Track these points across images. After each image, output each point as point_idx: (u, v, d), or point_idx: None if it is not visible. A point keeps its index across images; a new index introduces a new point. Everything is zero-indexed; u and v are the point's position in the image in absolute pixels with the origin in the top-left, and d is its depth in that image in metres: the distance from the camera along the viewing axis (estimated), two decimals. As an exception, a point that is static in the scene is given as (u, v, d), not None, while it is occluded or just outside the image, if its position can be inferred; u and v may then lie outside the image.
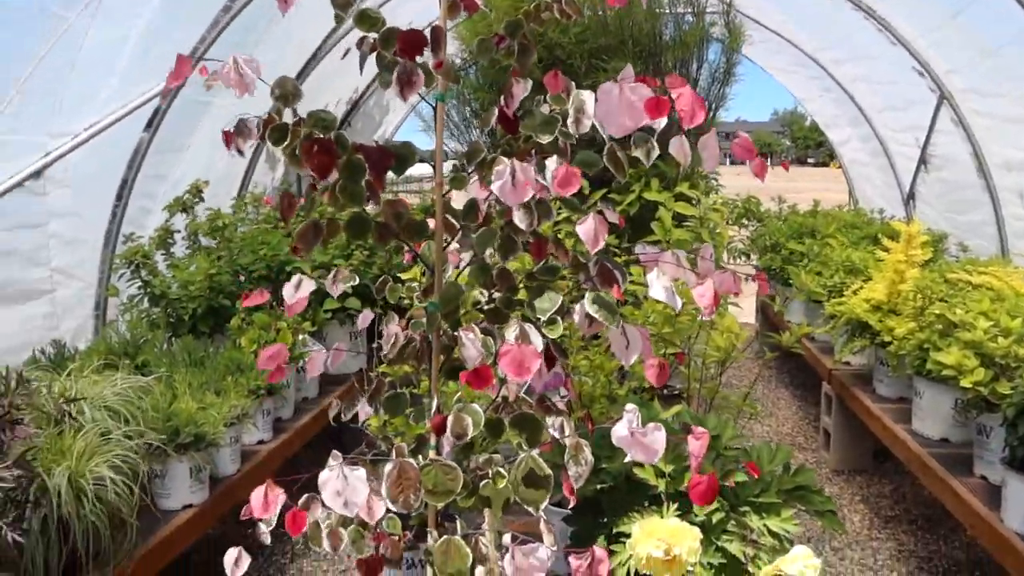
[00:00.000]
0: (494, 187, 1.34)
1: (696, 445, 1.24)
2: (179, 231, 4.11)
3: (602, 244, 1.39)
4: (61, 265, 3.57)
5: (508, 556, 1.20)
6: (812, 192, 7.28)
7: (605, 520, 1.79)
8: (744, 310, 7.17)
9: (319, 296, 4.06)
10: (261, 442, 3.36)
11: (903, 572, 3.32)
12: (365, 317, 1.79)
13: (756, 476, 1.41)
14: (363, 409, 1.84)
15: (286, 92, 1.33)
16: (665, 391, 3.28)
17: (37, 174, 3.19)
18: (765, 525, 1.73)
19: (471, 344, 1.36)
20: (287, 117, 1.40)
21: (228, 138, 1.36)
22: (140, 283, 3.73)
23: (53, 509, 2.11)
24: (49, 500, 2.11)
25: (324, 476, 1.28)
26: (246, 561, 1.51)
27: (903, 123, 5.54)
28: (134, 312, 3.75)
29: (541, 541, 1.29)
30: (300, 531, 1.40)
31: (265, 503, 1.37)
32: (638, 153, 1.39)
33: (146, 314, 3.79)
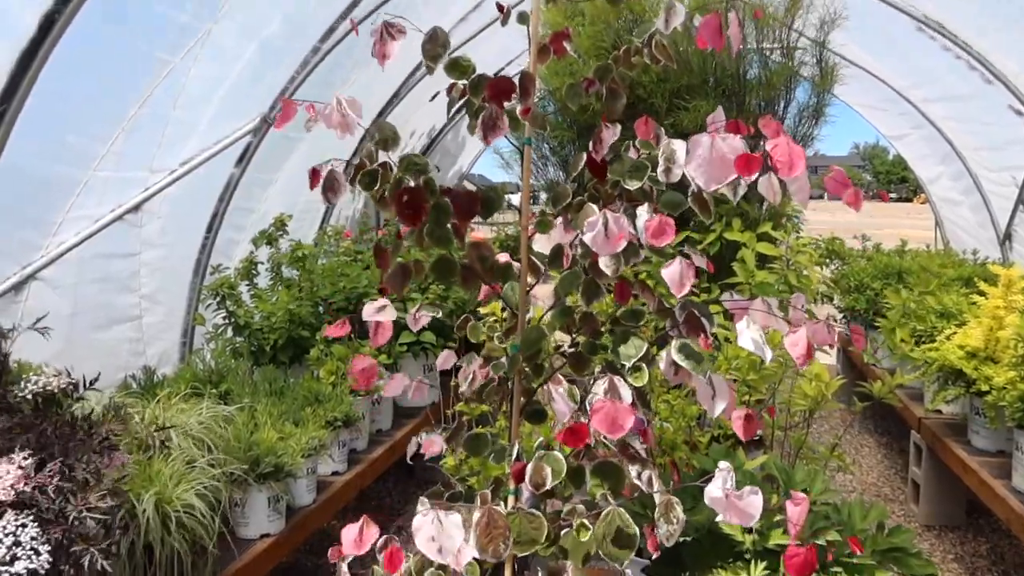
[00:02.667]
0: (586, 238, 1.33)
1: (795, 512, 1.18)
2: (263, 262, 4.24)
3: (687, 289, 1.36)
4: (150, 292, 3.72)
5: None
6: (896, 229, 7.03)
7: (687, 574, 1.73)
8: (825, 352, 6.95)
9: (395, 330, 4.12)
10: (336, 473, 3.40)
11: (1003, 640, 3.11)
12: (446, 358, 1.79)
13: (859, 552, 1.34)
14: (438, 445, 1.83)
15: (385, 136, 1.35)
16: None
17: (136, 207, 3.34)
18: (858, 588, 1.64)
19: (561, 399, 1.34)
20: (380, 158, 1.43)
21: (315, 177, 1.39)
22: (225, 313, 3.85)
23: (140, 534, 2.18)
24: (137, 525, 2.17)
25: (418, 521, 1.27)
26: None
27: (999, 163, 5.30)
28: (219, 341, 3.88)
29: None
30: (397, 569, 1.39)
31: (359, 540, 1.37)
32: (724, 190, 1.35)
33: (230, 343, 3.90)
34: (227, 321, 3.88)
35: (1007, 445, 3.49)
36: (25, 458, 1.59)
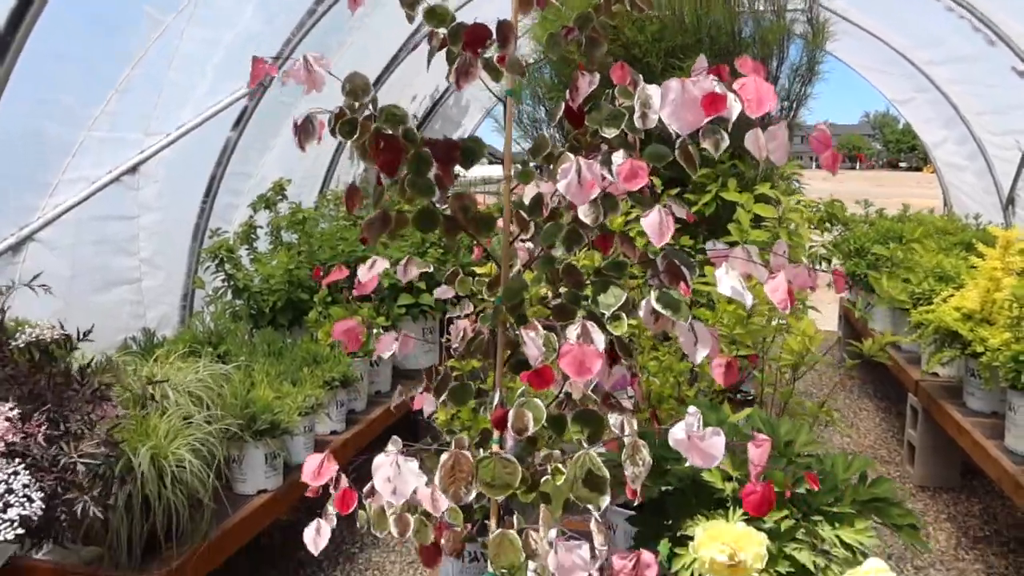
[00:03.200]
0: (559, 185, 1.33)
1: (756, 453, 1.20)
2: (262, 227, 4.25)
3: (667, 238, 1.36)
4: (149, 256, 3.74)
5: (552, 552, 1.19)
6: (903, 197, 6.96)
7: (670, 523, 1.76)
8: (826, 316, 6.95)
9: (394, 292, 4.14)
10: (334, 432, 3.44)
11: (991, 596, 3.15)
12: (444, 290, 1.81)
13: (816, 487, 1.36)
14: (430, 401, 1.86)
15: (355, 88, 1.35)
16: (739, 396, 3.21)
17: (133, 169, 3.35)
18: (838, 536, 1.66)
19: (532, 343, 1.35)
20: (365, 113, 1.43)
21: (298, 131, 1.40)
22: (224, 276, 3.88)
23: (137, 487, 2.22)
24: (134, 478, 2.22)
25: (378, 460, 1.30)
26: (327, 532, 1.55)
27: (1003, 127, 5.26)
28: (218, 304, 3.91)
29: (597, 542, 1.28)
30: (348, 510, 1.43)
31: (318, 471, 1.41)
32: (707, 145, 1.35)
33: (229, 306, 3.93)
34: (226, 284, 3.91)
35: (1000, 406, 3.50)
36: (11, 408, 1.62)
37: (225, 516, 2.61)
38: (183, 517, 2.33)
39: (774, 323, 2.20)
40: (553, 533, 1.25)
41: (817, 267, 5.58)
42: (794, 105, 3.59)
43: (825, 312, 7.21)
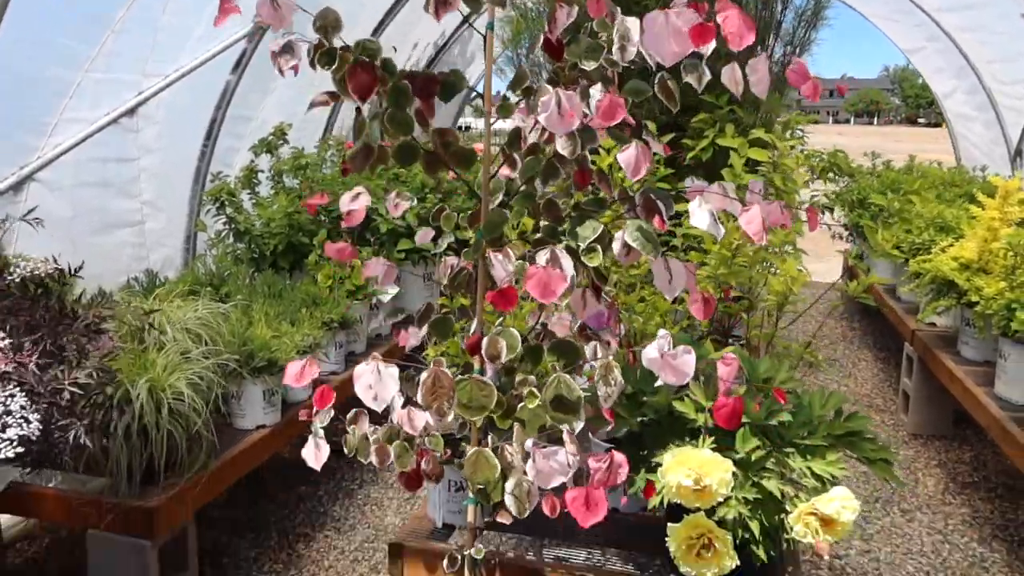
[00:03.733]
0: (540, 117, 1.35)
1: (725, 371, 1.23)
2: (264, 171, 4.27)
3: (643, 173, 1.38)
4: (151, 198, 3.78)
5: (530, 460, 1.24)
6: (921, 154, 6.89)
7: (646, 453, 1.81)
8: (831, 269, 6.94)
9: (393, 237, 4.17)
10: (333, 373, 3.51)
11: (975, 538, 3.22)
12: (425, 234, 1.85)
13: (783, 402, 1.39)
14: (415, 337, 1.90)
15: (327, 23, 1.36)
16: (731, 341, 3.25)
17: (131, 111, 3.37)
18: (809, 467, 1.70)
19: (500, 265, 1.38)
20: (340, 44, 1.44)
21: (277, 59, 1.41)
22: (226, 219, 3.91)
23: (135, 418, 2.29)
24: (132, 409, 2.28)
25: (359, 369, 1.34)
26: (326, 449, 1.61)
27: (1013, 76, 5.17)
28: (220, 247, 3.95)
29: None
30: (326, 405, 1.50)
31: (300, 373, 1.46)
32: (689, 79, 1.36)
33: (231, 249, 3.98)
34: (228, 227, 3.94)
35: (993, 355, 3.53)
36: (3, 338, 1.67)
37: (224, 449, 2.69)
38: (181, 448, 2.41)
39: (760, 267, 2.22)
40: (529, 443, 1.29)
41: (820, 216, 5.57)
42: (798, 50, 3.55)
43: (831, 265, 7.20)
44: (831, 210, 5.44)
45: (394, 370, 1.30)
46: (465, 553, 1.72)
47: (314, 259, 3.79)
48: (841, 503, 1.51)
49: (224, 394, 2.81)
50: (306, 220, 3.98)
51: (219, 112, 3.96)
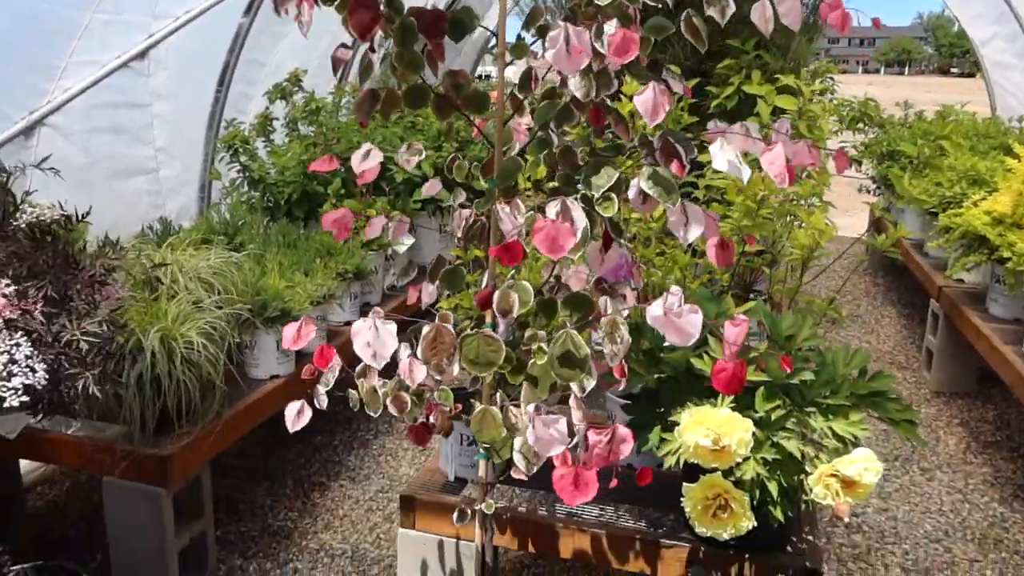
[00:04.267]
0: (548, 54, 1.27)
1: (733, 332, 1.17)
2: (278, 119, 4.20)
3: (661, 117, 1.30)
4: (165, 145, 3.72)
5: (530, 426, 1.20)
6: (949, 103, 6.66)
7: (663, 411, 1.77)
8: (858, 223, 6.78)
9: (409, 187, 4.10)
10: (348, 323, 3.48)
11: (995, 497, 3.17)
12: (432, 185, 1.79)
13: (788, 369, 1.33)
14: (427, 290, 1.86)
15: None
16: (752, 296, 3.17)
17: (142, 55, 3.30)
18: (830, 427, 1.65)
19: (507, 217, 1.32)
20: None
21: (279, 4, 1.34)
22: (239, 167, 3.86)
23: (147, 367, 2.27)
24: (144, 358, 2.27)
25: (357, 326, 1.30)
26: (308, 414, 1.58)
27: (1058, 19, 4.94)
28: (235, 195, 3.91)
29: (599, 423, 1.28)
30: (327, 364, 1.46)
31: (297, 335, 1.42)
32: (712, 12, 1.27)
33: (246, 198, 3.93)
34: (242, 176, 3.89)
35: (1023, 313, 3.43)
36: (7, 285, 1.64)
37: (238, 398, 2.68)
38: (195, 397, 2.40)
39: (785, 219, 2.14)
40: (531, 408, 1.25)
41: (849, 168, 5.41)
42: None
43: (856, 220, 7.03)
44: (859, 162, 5.28)
45: (392, 326, 1.26)
46: (476, 508, 1.69)
47: (328, 208, 3.73)
48: (864, 465, 1.46)
49: (238, 344, 2.79)
50: (321, 168, 3.92)
51: (232, 56, 3.87)
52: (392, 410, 1.62)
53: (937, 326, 4.18)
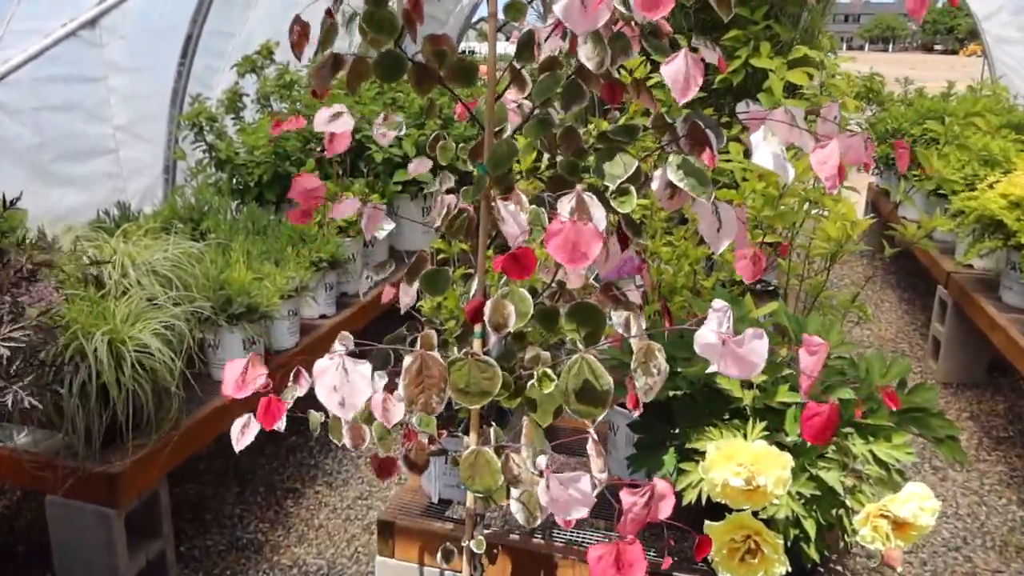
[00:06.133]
0: (556, 8, 1.02)
1: (810, 361, 0.93)
2: (248, 94, 3.91)
3: (693, 92, 1.06)
4: (125, 123, 3.44)
5: (543, 483, 0.96)
6: (938, 83, 6.45)
7: (677, 431, 1.54)
8: (855, 190, 6.59)
9: (389, 167, 3.83)
10: (324, 316, 3.24)
11: (1013, 499, 2.99)
12: (419, 164, 1.54)
13: (895, 407, 1.11)
14: (406, 291, 1.61)
15: None
16: (759, 286, 2.95)
17: (92, 22, 3.00)
18: (871, 451, 1.43)
19: (511, 217, 1.08)
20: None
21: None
22: (205, 146, 3.58)
23: (92, 375, 2.02)
24: (88, 366, 2.02)
25: (321, 365, 1.06)
26: (254, 430, 1.34)
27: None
28: (201, 177, 3.63)
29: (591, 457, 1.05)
30: (273, 424, 1.21)
31: (241, 380, 1.16)
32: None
33: (214, 179, 3.66)
34: (208, 156, 3.61)
35: (1042, 301, 3.24)
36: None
37: (200, 404, 2.44)
38: (148, 405, 2.15)
39: (806, 208, 1.91)
40: (543, 460, 1.01)
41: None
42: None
43: (854, 199, 6.84)
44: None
45: (365, 368, 1.02)
46: (464, 544, 1.46)
47: (302, 191, 3.47)
48: (919, 504, 1.24)
49: (201, 342, 2.54)
50: (294, 148, 3.64)
51: (195, 27, 3.57)
52: (347, 442, 1.38)
53: (945, 314, 3.99)
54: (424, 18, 1.27)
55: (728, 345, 0.92)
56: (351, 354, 1.04)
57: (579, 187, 1.10)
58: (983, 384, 3.95)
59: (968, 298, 3.68)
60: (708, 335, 0.93)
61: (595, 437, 1.04)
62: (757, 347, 0.91)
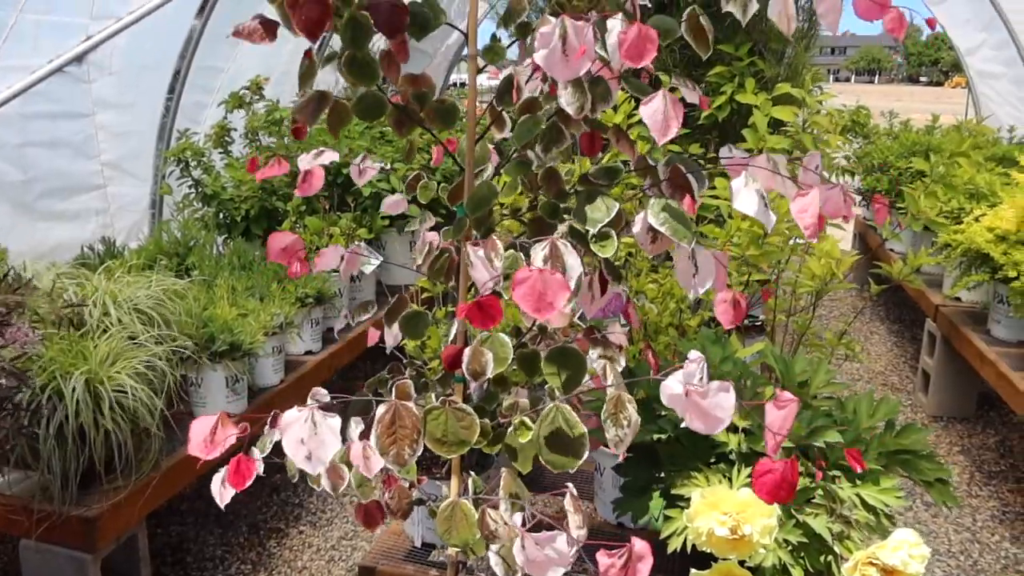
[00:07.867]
0: (538, 56, 1.01)
1: (777, 417, 0.91)
2: (236, 129, 3.91)
3: (673, 132, 1.05)
4: (113, 159, 3.43)
5: (518, 543, 0.94)
6: (921, 114, 6.53)
7: (663, 474, 1.51)
8: (840, 236, 6.62)
9: (376, 201, 3.83)
10: (309, 353, 3.20)
11: (1006, 536, 2.96)
12: (396, 203, 1.53)
13: (861, 468, 1.08)
14: (390, 332, 1.59)
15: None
16: (746, 322, 2.93)
17: (79, 59, 3.00)
18: (859, 495, 1.41)
19: (480, 262, 1.06)
20: None
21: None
22: (191, 182, 3.57)
23: (70, 417, 1.98)
24: (65, 407, 1.98)
25: (289, 417, 1.03)
26: (229, 493, 1.30)
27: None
28: (187, 212, 3.61)
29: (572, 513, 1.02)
30: (244, 485, 1.17)
31: (210, 440, 1.12)
32: (732, 8, 1.03)
33: (200, 214, 3.64)
34: (194, 191, 3.60)
35: (1030, 335, 3.24)
36: None
37: (180, 444, 2.39)
38: (127, 446, 2.11)
39: (791, 243, 1.91)
40: (518, 518, 0.99)
41: (842, 179, 5.23)
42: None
43: (838, 232, 6.87)
44: (852, 174, 5.10)
45: (335, 421, 0.99)
46: (445, 593, 1.42)
47: (288, 226, 3.46)
48: (908, 551, 1.22)
49: (183, 378, 2.51)
50: (281, 183, 3.64)
51: (183, 63, 3.58)
52: (326, 486, 1.34)
53: (934, 347, 3.98)
54: (409, 56, 1.26)
55: (692, 397, 0.89)
56: (324, 407, 1.01)
57: (556, 234, 1.09)
58: (973, 417, 3.94)
59: (957, 332, 3.68)
60: (674, 386, 0.91)
61: (574, 492, 1.01)
62: (723, 401, 0.89)
